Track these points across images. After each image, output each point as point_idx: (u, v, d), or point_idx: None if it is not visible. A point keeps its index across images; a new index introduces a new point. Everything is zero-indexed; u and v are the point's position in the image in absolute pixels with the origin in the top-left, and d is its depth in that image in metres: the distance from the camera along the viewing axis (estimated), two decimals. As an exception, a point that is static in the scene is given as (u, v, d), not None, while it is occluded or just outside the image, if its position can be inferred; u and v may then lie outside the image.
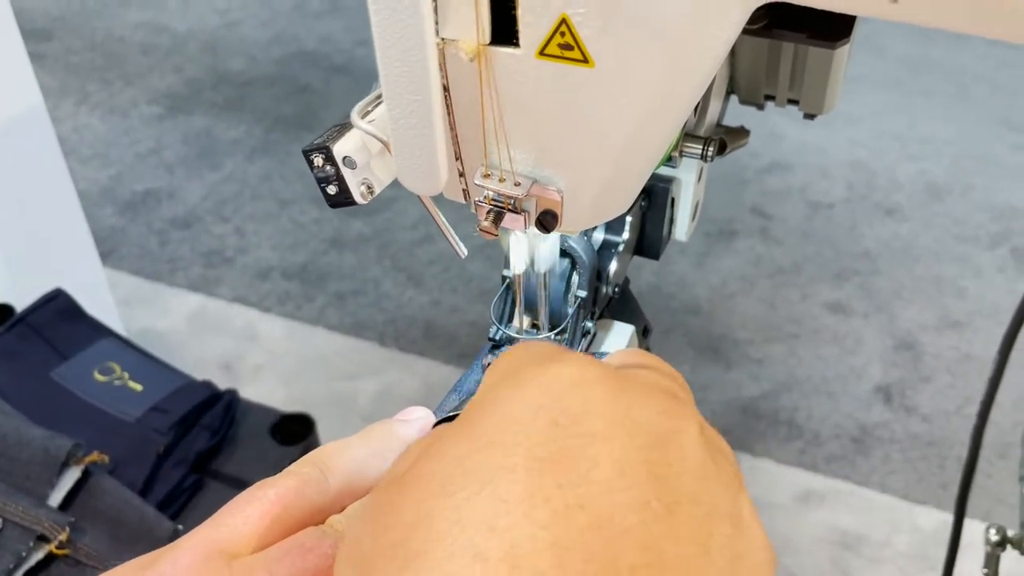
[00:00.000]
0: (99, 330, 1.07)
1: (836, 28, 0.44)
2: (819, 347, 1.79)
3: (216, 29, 2.89)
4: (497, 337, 0.46)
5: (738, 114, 0.57)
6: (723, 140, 0.46)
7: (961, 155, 2.33)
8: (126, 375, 1.02)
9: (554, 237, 0.44)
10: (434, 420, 0.45)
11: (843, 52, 0.44)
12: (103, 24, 2.90)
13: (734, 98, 0.55)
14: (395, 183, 0.41)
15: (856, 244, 2.05)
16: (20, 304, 1.08)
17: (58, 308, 1.07)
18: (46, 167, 1.32)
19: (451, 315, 1.84)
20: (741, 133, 0.49)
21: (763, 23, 0.43)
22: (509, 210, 0.36)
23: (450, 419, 0.44)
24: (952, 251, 2.02)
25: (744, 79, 0.49)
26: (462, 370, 1.72)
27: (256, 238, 2.05)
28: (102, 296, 1.46)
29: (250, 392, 1.04)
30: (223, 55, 2.75)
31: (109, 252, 1.97)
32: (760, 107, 0.52)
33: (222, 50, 2.78)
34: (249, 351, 1.76)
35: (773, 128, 2.35)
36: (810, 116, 0.52)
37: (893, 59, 2.71)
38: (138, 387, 1.00)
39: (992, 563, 0.70)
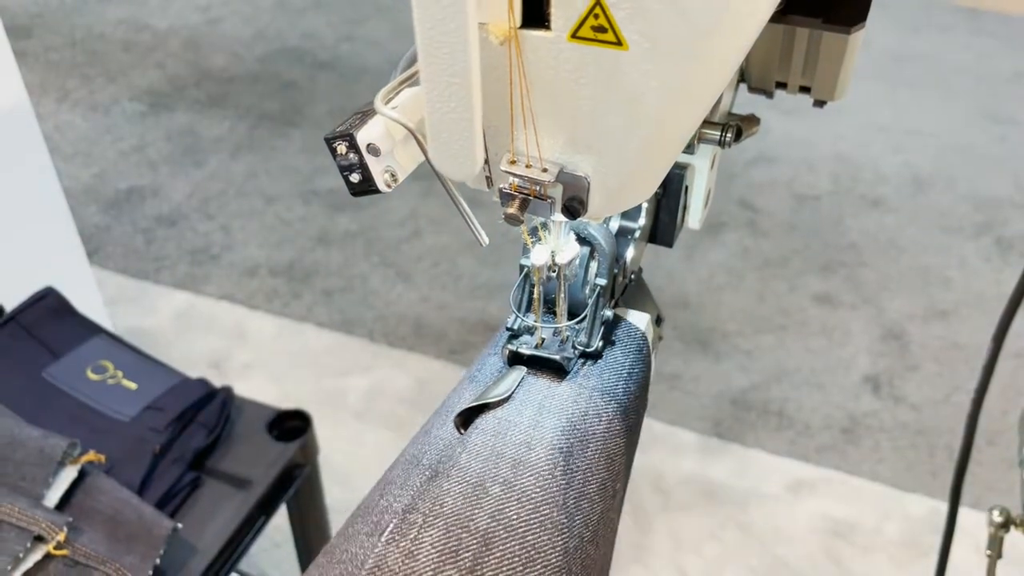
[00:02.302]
0: (91, 328, 1.05)
1: (851, 13, 0.44)
2: (807, 338, 1.80)
3: (198, 26, 2.86)
4: (515, 326, 0.46)
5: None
6: (739, 126, 0.46)
7: (945, 147, 2.35)
8: (120, 373, 1.00)
9: (575, 225, 0.44)
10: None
11: (857, 37, 0.44)
12: (83, 21, 2.87)
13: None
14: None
15: (842, 236, 2.06)
16: (7, 305, 1.06)
17: (49, 306, 1.05)
18: (31, 165, 1.30)
19: (440, 311, 1.84)
20: (753, 120, 0.49)
21: (779, 7, 0.42)
22: (535, 197, 0.36)
23: (472, 411, 0.44)
24: (937, 242, 2.04)
25: (756, 66, 0.49)
26: (453, 366, 1.70)
27: (242, 235, 2.03)
28: (89, 295, 1.44)
29: (239, 391, 1.03)
30: (205, 52, 2.73)
31: (94, 251, 1.95)
32: (770, 95, 0.52)
33: (204, 47, 2.75)
34: (237, 349, 1.75)
35: (758, 121, 2.36)
36: (820, 104, 0.52)
37: (877, 51, 2.73)
38: (132, 385, 0.99)
39: (995, 544, 0.71)
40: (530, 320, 0.45)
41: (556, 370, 0.45)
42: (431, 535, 0.38)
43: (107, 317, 1.50)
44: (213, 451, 0.97)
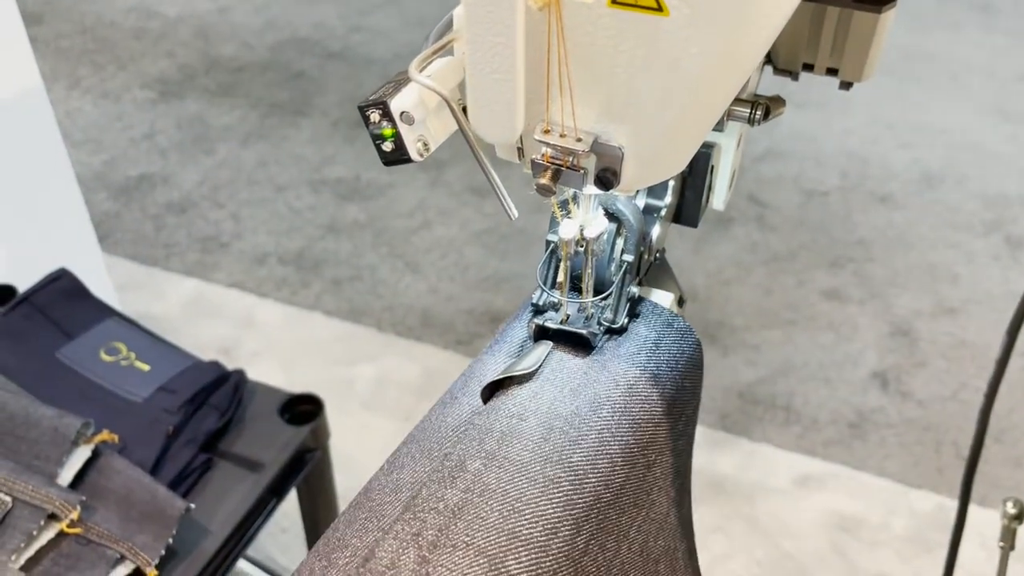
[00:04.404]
0: (104, 310, 1.06)
1: (881, -8, 0.44)
2: (815, 333, 1.80)
3: (207, 14, 2.86)
4: (541, 302, 0.46)
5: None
6: (767, 105, 0.46)
7: (954, 144, 2.34)
8: (133, 355, 1.01)
9: (603, 200, 0.44)
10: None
11: (888, 16, 0.44)
12: (93, 8, 2.87)
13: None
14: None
15: (851, 232, 2.06)
16: (19, 289, 1.06)
17: (62, 288, 1.06)
18: (45, 149, 1.31)
19: (448, 302, 1.84)
20: (779, 101, 0.49)
21: (810, -14, 0.42)
22: (567, 167, 0.36)
23: (500, 383, 0.44)
24: (946, 239, 2.04)
25: (784, 46, 0.49)
26: (460, 356, 1.69)
27: (252, 224, 2.03)
28: (101, 280, 1.44)
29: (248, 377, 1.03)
30: (215, 40, 2.73)
31: (104, 237, 1.95)
32: (795, 77, 0.52)
33: (214, 36, 2.76)
34: (246, 337, 1.75)
35: (768, 116, 2.36)
36: (846, 86, 0.52)
37: (887, 47, 2.72)
38: (145, 367, 0.99)
39: (1008, 536, 0.71)
40: (555, 296, 0.45)
41: (582, 344, 0.45)
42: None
43: (117, 302, 1.50)
44: (225, 433, 0.97)
